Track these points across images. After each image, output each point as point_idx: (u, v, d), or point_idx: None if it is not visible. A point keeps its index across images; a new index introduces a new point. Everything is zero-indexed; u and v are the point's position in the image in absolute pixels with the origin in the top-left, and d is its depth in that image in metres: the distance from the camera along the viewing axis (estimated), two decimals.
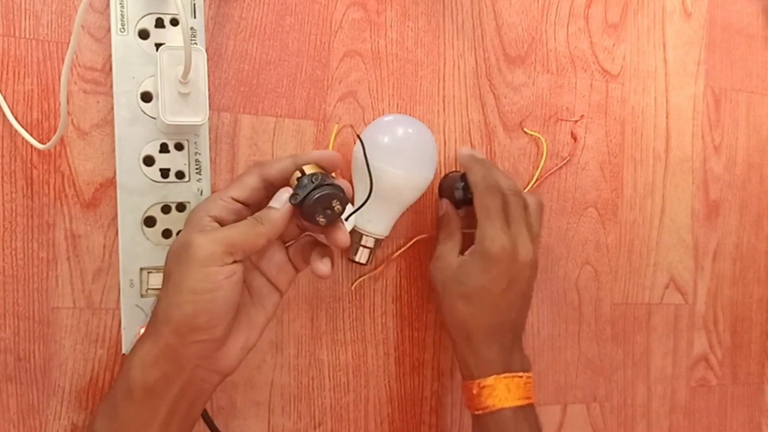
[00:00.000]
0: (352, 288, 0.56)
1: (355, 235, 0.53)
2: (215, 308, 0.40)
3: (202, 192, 0.48)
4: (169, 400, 0.42)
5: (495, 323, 0.51)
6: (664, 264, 0.66)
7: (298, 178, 0.43)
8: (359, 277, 0.56)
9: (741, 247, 0.69)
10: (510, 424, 0.50)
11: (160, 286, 0.47)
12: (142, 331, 0.46)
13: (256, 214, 0.43)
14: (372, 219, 0.53)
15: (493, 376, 0.50)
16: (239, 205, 0.43)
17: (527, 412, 0.51)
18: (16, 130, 0.47)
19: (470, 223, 0.54)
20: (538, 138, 0.61)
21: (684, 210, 0.67)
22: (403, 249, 0.57)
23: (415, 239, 0.57)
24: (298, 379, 0.55)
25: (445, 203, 0.56)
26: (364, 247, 0.53)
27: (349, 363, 0.56)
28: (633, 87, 0.65)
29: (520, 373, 0.51)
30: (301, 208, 0.42)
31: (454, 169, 0.58)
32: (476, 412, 0.51)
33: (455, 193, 0.55)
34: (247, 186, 0.43)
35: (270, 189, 0.44)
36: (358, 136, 0.50)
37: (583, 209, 0.63)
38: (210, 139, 0.50)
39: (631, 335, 0.65)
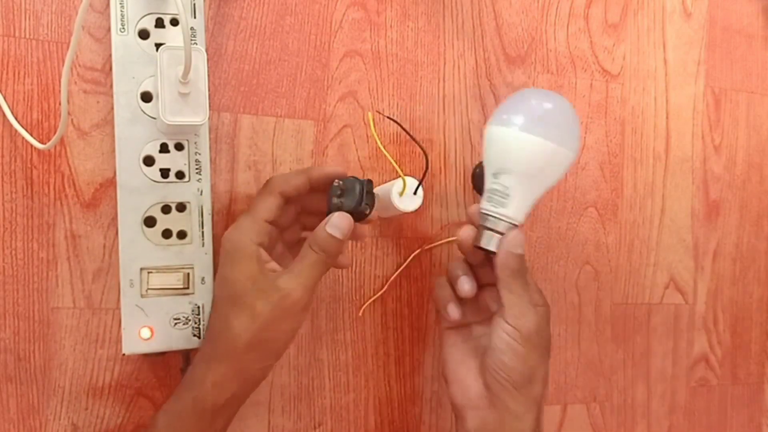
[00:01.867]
0: (360, 314, 0.56)
1: (485, 219, 0.47)
2: (294, 336, 0.47)
3: (202, 192, 0.48)
4: (233, 415, 0.47)
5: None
6: (664, 264, 0.66)
7: (340, 187, 0.47)
8: (365, 301, 0.56)
9: (741, 247, 0.69)
10: None
11: (160, 287, 0.47)
12: (144, 331, 0.47)
13: (317, 243, 0.45)
14: (507, 201, 0.46)
15: None
16: (270, 226, 0.47)
17: None
18: (16, 130, 0.47)
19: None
20: None
21: (684, 210, 0.67)
22: (403, 266, 0.57)
23: (413, 254, 0.57)
24: (298, 379, 0.55)
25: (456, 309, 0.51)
26: (496, 232, 0.47)
27: (349, 363, 0.56)
28: (633, 87, 0.65)
29: None
30: (355, 210, 0.46)
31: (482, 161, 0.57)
32: None
33: (476, 184, 0.55)
34: (274, 207, 0.47)
35: (288, 203, 0.48)
36: (401, 126, 0.52)
37: (583, 209, 0.63)
38: (210, 139, 0.50)
39: (631, 335, 0.65)
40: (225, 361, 0.44)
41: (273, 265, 0.46)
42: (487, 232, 0.47)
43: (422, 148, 0.50)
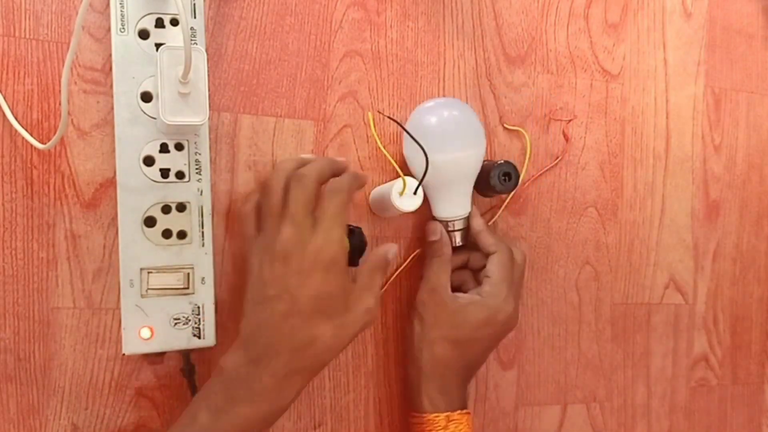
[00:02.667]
0: None
1: (443, 224, 0.55)
2: None
3: (202, 192, 0.48)
4: None
5: (471, 368, 0.56)
6: (664, 264, 0.66)
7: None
8: None
9: (741, 247, 0.69)
10: None
11: (160, 287, 0.47)
12: (144, 331, 0.47)
13: (375, 264, 0.48)
14: (448, 205, 0.55)
15: (458, 412, 0.53)
16: None
17: None
18: (16, 130, 0.47)
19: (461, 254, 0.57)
20: (529, 135, 0.61)
21: (684, 210, 0.67)
22: (403, 266, 0.57)
23: (413, 254, 0.57)
24: None
25: (439, 228, 0.55)
26: (455, 230, 0.56)
27: (349, 363, 0.56)
28: (633, 87, 0.65)
29: (468, 410, 0.54)
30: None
31: (484, 161, 0.58)
32: None
33: (490, 181, 0.55)
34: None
35: None
36: (401, 126, 0.53)
37: (583, 209, 0.63)
38: (210, 139, 0.50)
39: (631, 335, 0.65)
40: (310, 376, 0.46)
41: (350, 278, 0.47)
42: (454, 234, 0.56)
43: (422, 148, 0.50)
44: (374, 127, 0.55)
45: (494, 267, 0.54)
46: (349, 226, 0.48)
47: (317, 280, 0.44)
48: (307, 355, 0.44)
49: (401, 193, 0.50)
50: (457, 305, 0.53)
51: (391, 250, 0.49)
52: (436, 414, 0.52)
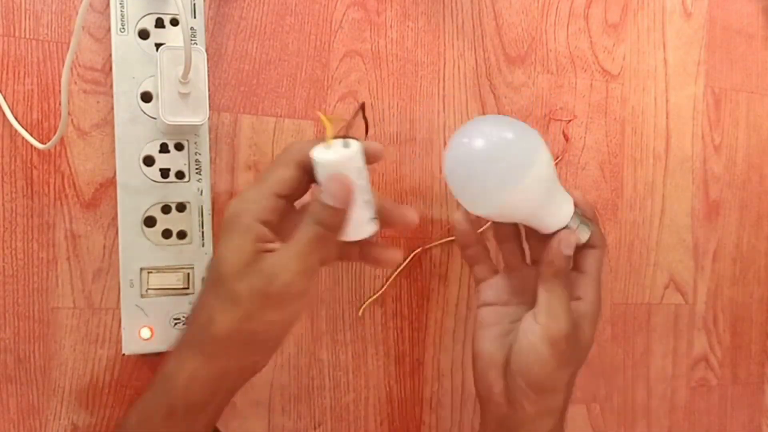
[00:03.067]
0: (360, 314, 0.56)
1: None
2: (289, 331, 0.40)
3: (202, 192, 0.48)
4: (209, 416, 0.41)
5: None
6: (664, 264, 0.66)
7: None
8: (365, 301, 0.56)
9: (741, 247, 0.69)
10: None
11: (160, 287, 0.47)
12: (144, 332, 0.47)
13: (310, 215, 0.38)
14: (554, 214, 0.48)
15: None
16: (282, 201, 0.39)
17: None
18: (16, 130, 0.47)
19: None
20: None
21: (684, 210, 0.67)
22: (403, 265, 0.57)
23: (413, 254, 0.57)
24: (298, 379, 0.55)
25: (574, 239, 0.46)
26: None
27: (349, 363, 0.56)
28: (633, 87, 0.65)
29: None
30: None
31: None
32: None
33: None
34: (288, 179, 0.39)
35: (301, 174, 0.40)
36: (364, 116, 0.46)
37: None
38: (210, 139, 0.50)
39: (631, 335, 0.65)
40: (201, 355, 0.38)
41: (276, 245, 0.39)
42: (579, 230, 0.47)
43: (363, 118, 0.46)
44: (329, 124, 0.49)
45: (592, 263, 0.47)
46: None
47: (222, 242, 0.39)
48: (195, 325, 0.40)
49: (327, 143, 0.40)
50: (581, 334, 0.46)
51: (338, 189, 0.38)
52: None
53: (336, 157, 0.39)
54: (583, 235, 0.47)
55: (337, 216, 0.38)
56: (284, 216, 0.40)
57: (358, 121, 0.46)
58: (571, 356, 0.45)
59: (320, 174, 0.39)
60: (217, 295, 0.38)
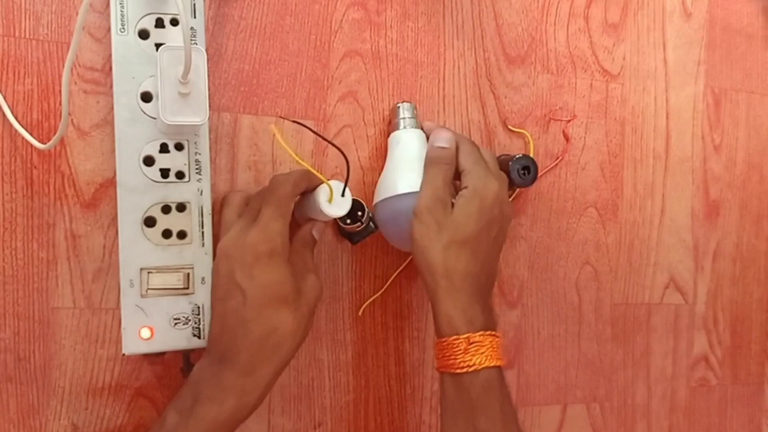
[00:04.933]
0: (360, 314, 0.56)
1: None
2: None
3: (202, 192, 0.48)
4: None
5: (483, 274, 0.50)
6: (664, 264, 0.66)
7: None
8: (365, 301, 0.56)
9: (741, 247, 0.69)
10: (497, 383, 0.47)
11: (160, 287, 0.47)
12: (144, 332, 0.47)
13: (310, 245, 0.51)
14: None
15: (480, 333, 0.47)
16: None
17: (504, 374, 0.49)
18: (16, 130, 0.47)
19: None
20: (532, 136, 0.61)
21: (684, 210, 0.67)
22: (403, 266, 0.57)
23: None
24: (298, 379, 0.55)
25: (450, 136, 0.52)
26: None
27: (349, 363, 0.56)
28: (633, 87, 0.65)
29: (497, 333, 0.49)
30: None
31: (501, 155, 0.59)
32: (457, 371, 0.47)
33: (510, 175, 0.55)
34: (286, 232, 0.47)
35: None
36: (300, 123, 0.51)
37: (583, 209, 0.63)
38: (210, 139, 0.50)
39: (631, 335, 0.65)
40: (279, 363, 0.45)
41: (296, 266, 0.48)
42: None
43: (341, 151, 0.49)
44: (281, 136, 0.52)
45: (462, 159, 0.51)
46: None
47: (261, 271, 0.45)
48: (268, 345, 0.45)
49: (330, 200, 0.48)
50: (454, 207, 0.50)
51: (315, 227, 0.50)
52: (455, 336, 0.47)
53: (346, 209, 0.49)
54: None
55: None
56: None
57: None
58: (499, 215, 0.51)
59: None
60: (288, 311, 0.46)
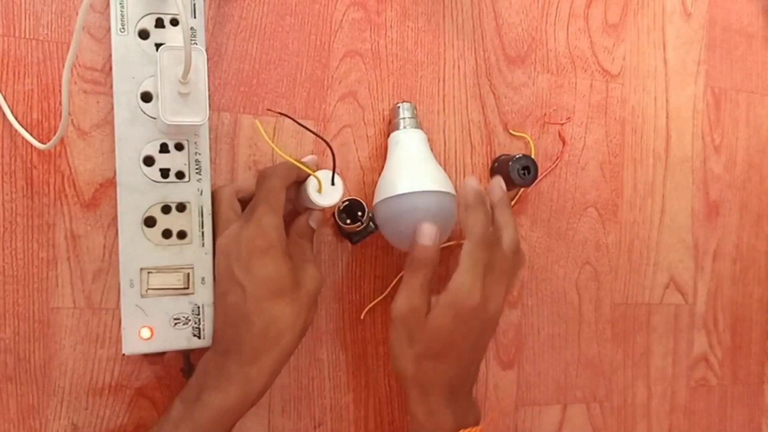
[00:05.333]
0: (362, 317, 0.56)
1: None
2: None
3: (202, 192, 0.48)
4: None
5: (458, 378, 0.49)
6: (664, 264, 0.66)
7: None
8: (368, 304, 0.57)
9: (741, 247, 0.69)
10: None
11: (160, 287, 0.47)
12: (144, 332, 0.47)
13: (308, 235, 0.50)
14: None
15: None
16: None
17: None
18: (16, 130, 0.47)
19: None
20: (532, 137, 0.61)
21: (684, 210, 0.67)
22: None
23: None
24: (298, 379, 0.55)
25: (434, 233, 0.49)
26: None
27: (349, 363, 0.56)
28: (633, 87, 0.65)
29: (477, 427, 0.49)
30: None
31: (501, 155, 0.59)
32: None
33: (510, 175, 0.56)
34: (284, 200, 0.48)
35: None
36: (284, 114, 0.51)
37: (583, 209, 0.63)
38: (210, 139, 0.50)
39: (631, 335, 0.65)
40: (283, 354, 0.46)
41: (295, 258, 0.48)
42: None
43: (326, 142, 0.49)
44: (264, 131, 0.50)
45: (461, 256, 0.48)
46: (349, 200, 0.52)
47: (258, 266, 0.46)
48: (269, 336, 0.45)
49: (319, 190, 0.49)
50: (429, 315, 0.48)
51: (311, 217, 0.50)
52: None
53: (337, 198, 0.49)
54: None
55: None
56: None
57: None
58: (480, 323, 0.49)
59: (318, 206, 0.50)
60: (287, 303, 0.46)
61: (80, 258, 0.49)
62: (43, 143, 0.46)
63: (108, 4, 0.47)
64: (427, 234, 0.49)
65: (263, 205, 0.47)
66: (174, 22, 0.47)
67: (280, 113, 0.52)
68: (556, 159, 0.62)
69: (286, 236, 0.48)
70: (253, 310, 0.45)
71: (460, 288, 0.47)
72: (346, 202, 0.53)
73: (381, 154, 0.56)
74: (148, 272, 0.47)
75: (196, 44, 0.48)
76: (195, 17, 0.48)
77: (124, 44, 0.46)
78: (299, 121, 0.50)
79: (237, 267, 0.46)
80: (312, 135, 0.54)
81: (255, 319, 0.45)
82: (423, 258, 0.49)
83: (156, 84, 0.45)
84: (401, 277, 0.57)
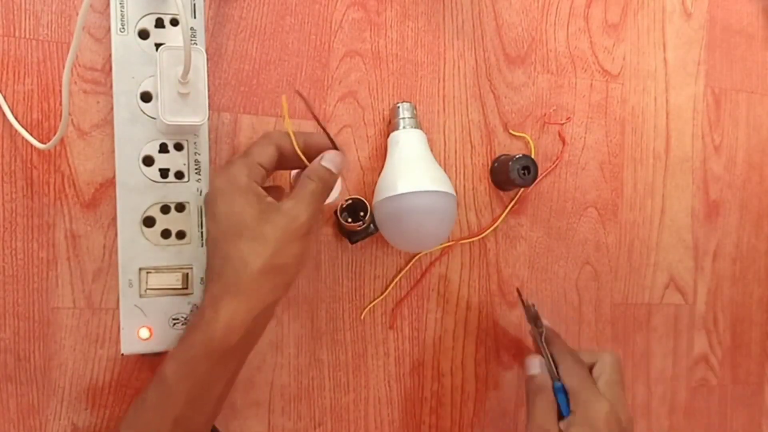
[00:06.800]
0: (362, 317, 0.56)
1: None
2: (305, 263, 0.49)
3: (201, 192, 0.48)
4: (247, 353, 0.46)
5: None
6: (664, 264, 0.66)
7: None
8: (368, 304, 0.56)
9: (741, 247, 0.69)
10: None
11: (159, 287, 0.47)
12: (143, 332, 0.47)
13: (315, 174, 0.46)
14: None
15: None
16: (263, 171, 0.46)
17: None
18: (16, 130, 0.47)
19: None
20: (532, 137, 0.61)
21: (684, 210, 0.66)
22: (405, 269, 0.57)
23: (416, 256, 0.57)
24: (298, 379, 0.55)
25: (538, 361, 0.54)
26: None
27: (349, 363, 0.56)
28: (633, 87, 0.65)
29: None
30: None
31: (501, 155, 0.60)
32: None
33: (510, 175, 0.56)
34: (270, 155, 0.46)
35: (281, 159, 0.47)
36: (311, 110, 0.48)
37: (583, 209, 0.63)
38: (210, 139, 0.50)
39: (631, 335, 0.65)
40: (238, 295, 0.43)
41: (271, 198, 0.46)
42: None
43: (322, 127, 0.47)
44: (287, 113, 0.47)
45: (565, 378, 0.52)
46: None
47: (219, 205, 0.45)
48: (226, 273, 0.44)
49: None
50: None
51: (325, 158, 0.47)
52: None
53: (336, 194, 0.49)
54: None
55: (334, 177, 0.47)
56: (263, 182, 0.47)
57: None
58: None
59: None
60: (245, 241, 0.44)
61: (80, 258, 0.49)
62: (43, 143, 0.46)
63: (108, 4, 0.47)
64: (530, 363, 0.54)
65: (242, 155, 0.46)
66: (174, 22, 0.47)
67: (302, 97, 0.47)
68: (556, 159, 0.62)
69: (262, 178, 0.46)
70: (211, 252, 0.46)
71: (586, 405, 0.50)
72: (350, 201, 0.53)
73: (381, 154, 0.56)
74: (147, 272, 0.47)
75: (196, 44, 0.48)
76: (195, 17, 0.48)
77: (124, 44, 0.46)
78: (315, 114, 0.48)
79: (211, 204, 0.46)
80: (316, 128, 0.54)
81: (212, 261, 0.46)
82: (535, 386, 0.53)
83: (156, 84, 0.45)
84: (399, 277, 0.57)
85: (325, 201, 0.47)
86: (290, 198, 0.45)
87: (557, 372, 0.52)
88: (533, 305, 0.56)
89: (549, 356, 0.53)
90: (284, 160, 0.47)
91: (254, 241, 0.44)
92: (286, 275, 0.45)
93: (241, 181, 0.45)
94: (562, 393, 0.51)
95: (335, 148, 0.47)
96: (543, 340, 0.54)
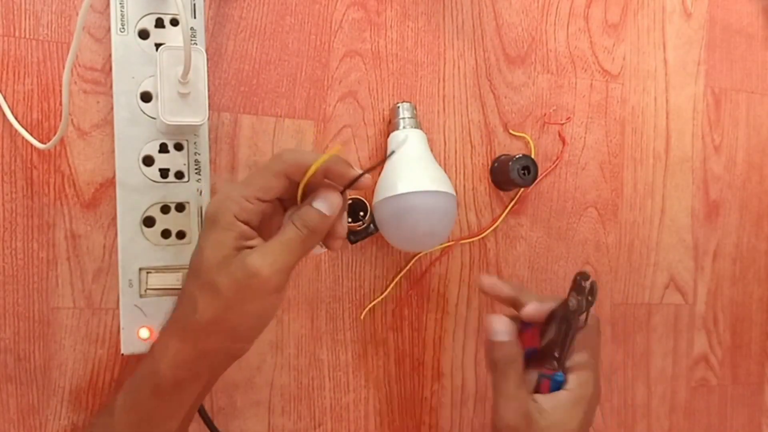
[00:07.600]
0: (362, 317, 0.56)
1: None
2: (268, 322, 0.42)
3: (201, 192, 0.48)
4: (195, 394, 0.43)
5: None
6: (664, 264, 0.66)
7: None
8: (368, 304, 0.57)
9: (741, 247, 0.69)
10: None
11: (159, 287, 0.47)
12: (143, 332, 0.47)
13: (300, 219, 0.40)
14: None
15: None
16: (264, 204, 0.40)
17: None
18: (16, 130, 0.47)
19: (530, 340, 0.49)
20: (532, 137, 0.61)
21: (684, 210, 0.66)
22: (405, 270, 0.57)
23: (416, 256, 0.57)
24: (298, 379, 0.55)
25: (508, 326, 0.46)
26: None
27: (349, 363, 0.56)
28: (633, 87, 0.65)
29: None
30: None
31: (501, 155, 0.60)
32: None
33: (510, 175, 0.56)
34: (273, 187, 0.40)
35: (288, 183, 0.41)
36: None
37: (583, 209, 0.63)
38: (210, 139, 0.50)
39: (631, 335, 0.65)
40: (184, 341, 0.40)
41: (256, 242, 0.40)
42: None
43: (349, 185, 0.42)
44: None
45: (582, 345, 0.46)
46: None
47: (204, 233, 0.41)
48: (179, 310, 0.42)
49: None
50: (548, 419, 0.45)
51: (319, 198, 0.40)
52: None
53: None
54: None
55: (326, 222, 0.40)
56: (265, 216, 0.41)
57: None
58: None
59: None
60: (200, 285, 0.40)
61: (80, 258, 0.49)
62: (43, 143, 0.46)
63: (108, 4, 0.47)
64: (500, 328, 0.46)
65: (243, 181, 0.41)
66: (174, 22, 0.47)
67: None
68: (556, 159, 0.62)
69: (256, 214, 0.40)
70: (183, 286, 0.44)
71: (586, 386, 0.46)
72: (350, 201, 0.53)
73: (381, 154, 0.56)
74: (147, 272, 0.47)
75: (196, 44, 0.48)
76: (195, 17, 0.48)
77: (124, 44, 0.46)
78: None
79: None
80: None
81: (181, 288, 0.44)
82: (505, 355, 0.46)
83: (156, 84, 0.45)
84: (400, 277, 0.57)
85: (307, 251, 0.41)
86: (260, 248, 0.39)
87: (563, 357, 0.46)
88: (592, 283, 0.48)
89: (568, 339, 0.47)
90: (296, 189, 0.41)
91: (206, 290, 0.39)
92: (241, 331, 0.41)
93: (224, 218, 0.39)
94: (556, 380, 0.47)
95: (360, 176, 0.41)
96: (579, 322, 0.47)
